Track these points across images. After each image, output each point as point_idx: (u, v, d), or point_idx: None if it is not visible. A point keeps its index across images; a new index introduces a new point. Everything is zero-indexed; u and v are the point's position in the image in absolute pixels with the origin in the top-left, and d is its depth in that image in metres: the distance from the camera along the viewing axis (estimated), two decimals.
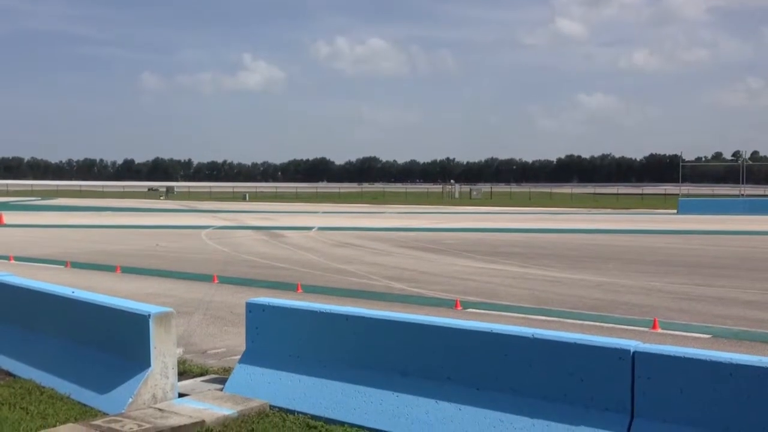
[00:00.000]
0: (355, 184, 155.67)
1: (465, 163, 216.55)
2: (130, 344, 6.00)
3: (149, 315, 5.84)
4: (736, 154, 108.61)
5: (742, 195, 54.69)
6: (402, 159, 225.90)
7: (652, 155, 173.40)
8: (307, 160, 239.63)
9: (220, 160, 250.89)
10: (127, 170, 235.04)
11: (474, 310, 10.82)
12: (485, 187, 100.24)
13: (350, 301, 11.43)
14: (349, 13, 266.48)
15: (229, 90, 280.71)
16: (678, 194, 57.69)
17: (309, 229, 29.46)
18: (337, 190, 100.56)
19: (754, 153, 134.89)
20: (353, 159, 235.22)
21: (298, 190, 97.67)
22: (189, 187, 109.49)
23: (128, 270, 15.87)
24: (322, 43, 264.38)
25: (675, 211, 46.42)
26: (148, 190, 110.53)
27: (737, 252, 20.51)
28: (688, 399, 4.31)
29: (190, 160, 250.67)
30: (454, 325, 5.24)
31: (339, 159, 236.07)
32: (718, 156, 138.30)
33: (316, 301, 8.71)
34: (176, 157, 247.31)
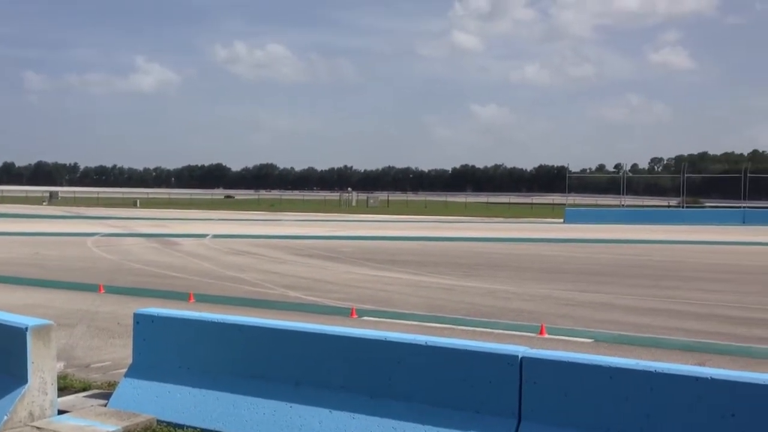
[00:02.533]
0: (251, 191, 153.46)
1: (362, 171, 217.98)
2: (5, 359, 5.65)
3: (26, 328, 5.52)
4: (618, 167, 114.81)
5: (623, 205, 57.73)
6: (300, 166, 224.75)
7: (541, 166, 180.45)
8: (203, 166, 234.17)
9: (109, 165, 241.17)
10: (6, 174, 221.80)
11: (369, 318, 10.87)
12: (382, 195, 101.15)
13: (244, 310, 11.24)
14: (248, 17, 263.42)
15: (120, 92, 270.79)
16: (565, 204, 60.26)
17: (203, 236, 28.77)
18: (233, 197, 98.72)
19: (634, 165, 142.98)
20: (250, 165, 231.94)
21: (193, 197, 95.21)
22: (75, 192, 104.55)
23: (4, 280, 14.96)
24: (219, 46, 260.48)
25: (562, 220, 48.42)
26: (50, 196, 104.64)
27: (618, 259, 21.62)
28: (572, 402, 4.48)
29: (76, 164, 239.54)
30: (349, 334, 5.25)
31: (236, 165, 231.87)
32: (601, 168, 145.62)
33: (209, 311, 8.50)
34: (61, 161, 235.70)
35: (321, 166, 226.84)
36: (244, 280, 15.47)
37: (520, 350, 4.69)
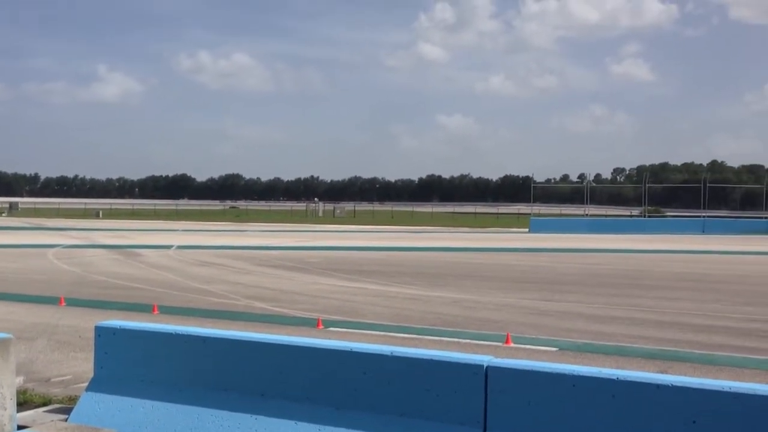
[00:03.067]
0: (217, 202, 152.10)
1: (329, 181, 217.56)
2: None
3: None
4: (582, 177, 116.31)
5: (587, 215, 58.56)
6: (266, 176, 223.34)
7: (507, 176, 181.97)
8: (167, 176, 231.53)
9: (70, 175, 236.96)
10: None
11: (336, 329, 10.84)
12: (349, 206, 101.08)
13: (209, 321, 11.12)
14: (213, 27, 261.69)
15: (82, 102, 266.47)
16: (530, 214, 60.87)
17: (167, 247, 28.41)
18: (198, 208, 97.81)
19: (597, 176, 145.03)
20: (215, 176, 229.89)
21: (157, 207, 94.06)
22: (35, 203, 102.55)
23: None
24: (183, 56, 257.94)
25: (527, 229, 48.89)
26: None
27: (581, 268, 21.89)
28: (536, 410, 4.51)
29: (36, 174, 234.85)
30: (314, 345, 5.22)
31: (201, 176, 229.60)
32: (565, 178, 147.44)
33: (174, 323, 8.40)
34: (21, 171, 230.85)
35: (287, 176, 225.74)
36: (210, 291, 15.32)
37: (485, 360, 4.72)
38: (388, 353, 4.97)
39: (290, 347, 5.27)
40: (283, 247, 30.21)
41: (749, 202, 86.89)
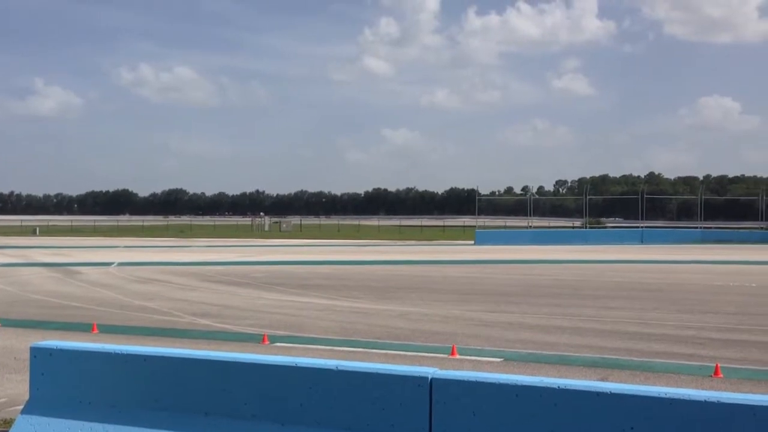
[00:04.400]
0: (160, 217, 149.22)
1: (275, 195, 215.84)
2: None
3: None
4: (525, 189, 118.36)
5: (530, 226, 59.54)
6: (210, 191, 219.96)
7: (452, 189, 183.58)
8: (108, 192, 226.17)
9: (6, 191, 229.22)
10: None
11: (281, 344, 10.75)
12: (295, 220, 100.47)
13: (151, 340, 10.90)
14: (155, 39, 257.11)
15: (18, 116, 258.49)
16: (475, 226, 61.57)
17: (108, 264, 27.75)
18: (140, 223, 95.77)
19: (540, 188, 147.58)
20: (158, 191, 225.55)
21: (97, 224, 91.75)
22: None
23: None
24: (125, 69, 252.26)
25: (473, 242, 49.42)
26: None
27: (526, 279, 22.24)
28: (481, 421, 4.57)
29: None
30: (259, 361, 5.17)
31: (143, 191, 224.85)
32: (509, 190, 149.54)
33: (114, 342, 8.21)
34: None
35: (232, 190, 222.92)
36: (152, 308, 15.02)
37: (430, 372, 4.75)
38: (334, 367, 4.95)
39: (234, 364, 5.21)
40: (228, 262, 29.83)
41: (685, 212, 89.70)
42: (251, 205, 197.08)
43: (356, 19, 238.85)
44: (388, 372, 4.84)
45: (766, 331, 12.00)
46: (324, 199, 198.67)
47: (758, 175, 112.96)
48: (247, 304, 15.86)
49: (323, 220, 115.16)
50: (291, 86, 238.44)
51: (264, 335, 11.18)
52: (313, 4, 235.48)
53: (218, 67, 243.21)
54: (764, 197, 62.35)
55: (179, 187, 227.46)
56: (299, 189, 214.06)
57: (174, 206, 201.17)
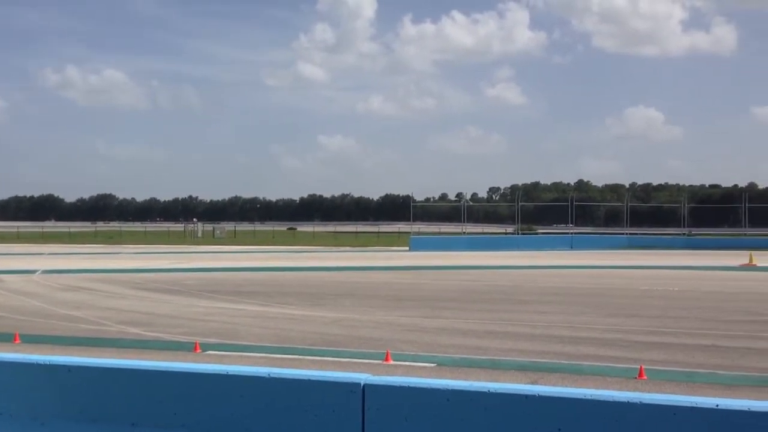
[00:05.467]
0: (88, 223, 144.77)
1: (208, 201, 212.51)
2: None
3: None
4: (459, 196, 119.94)
5: (464, 233, 60.30)
6: (141, 197, 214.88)
7: (387, 195, 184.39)
8: (32, 197, 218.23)
9: None
10: None
11: (214, 352, 10.58)
12: (229, 226, 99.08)
13: (78, 350, 10.56)
14: (82, 41, 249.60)
15: None
16: (410, 232, 61.97)
17: (32, 272, 26.74)
18: (67, 230, 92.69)
19: (474, 194, 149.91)
20: (86, 196, 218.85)
21: (20, 230, 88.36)
22: None
23: None
24: (50, 71, 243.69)
25: (407, 248, 49.71)
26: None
27: (459, 285, 22.50)
28: (413, 426, 4.59)
29: None
30: (188, 369, 5.07)
31: (69, 196, 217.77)
32: (444, 197, 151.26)
33: (37, 353, 7.92)
34: None
35: (164, 196, 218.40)
36: (79, 317, 14.55)
37: (363, 378, 4.75)
38: (266, 375, 4.90)
39: (163, 373, 5.09)
40: (159, 269, 29.16)
41: (612, 219, 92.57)
42: (184, 211, 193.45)
43: (291, 24, 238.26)
44: (320, 379, 4.82)
45: (688, 333, 12.47)
46: (259, 205, 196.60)
47: (681, 183, 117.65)
48: (179, 312, 15.55)
49: (258, 227, 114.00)
50: (225, 91, 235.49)
51: (196, 343, 10.98)
52: (247, 9, 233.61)
53: (149, 70, 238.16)
54: (686, 204, 64.90)
55: (108, 192, 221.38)
56: (233, 195, 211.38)
57: (103, 212, 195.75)
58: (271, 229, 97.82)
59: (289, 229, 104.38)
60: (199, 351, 10.64)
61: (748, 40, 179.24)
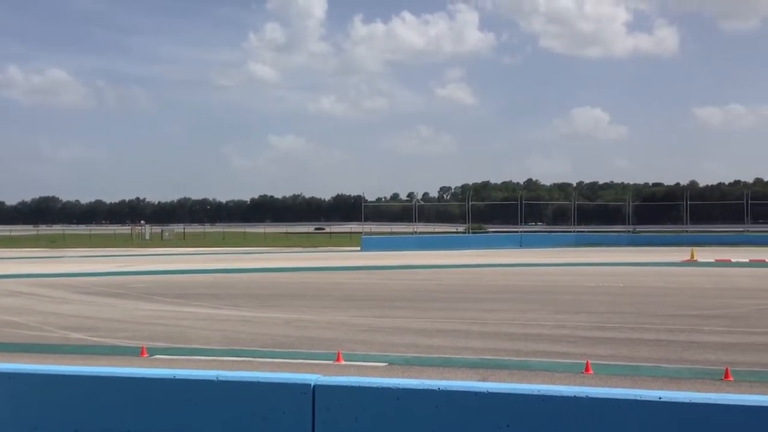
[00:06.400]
0: (30, 227, 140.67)
1: (156, 203, 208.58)
2: None
3: None
4: (410, 195, 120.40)
5: (416, 232, 60.58)
6: (86, 199, 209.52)
7: (338, 195, 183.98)
8: None
9: None
10: None
11: (161, 357, 10.39)
12: (178, 228, 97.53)
13: (19, 356, 10.25)
14: (24, 40, 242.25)
15: None
16: (361, 232, 61.98)
17: None
18: (8, 233, 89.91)
19: (425, 194, 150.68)
20: (28, 199, 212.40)
21: None
22: None
23: None
24: None
25: (359, 248, 49.72)
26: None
27: (411, 284, 22.59)
28: (364, 425, 4.58)
29: None
30: (134, 375, 4.97)
31: (10, 199, 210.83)
32: (395, 197, 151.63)
33: None
34: None
35: (110, 198, 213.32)
36: (19, 323, 14.13)
37: (313, 378, 4.73)
38: (214, 378, 4.84)
39: (107, 379, 4.98)
40: (105, 272, 28.53)
41: (560, 217, 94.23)
42: (131, 213, 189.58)
43: (241, 23, 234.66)
44: (270, 380, 4.78)
45: (633, 328, 12.76)
46: (208, 207, 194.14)
47: (626, 182, 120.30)
48: (125, 315, 15.23)
49: (208, 228, 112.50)
50: (173, 91, 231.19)
51: (143, 347, 10.76)
52: (196, 7, 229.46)
53: (93, 69, 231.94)
54: (631, 203, 66.45)
55: (51, 194, 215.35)
56: (182, 196, 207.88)
57: (45, 215, 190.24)
58: (222, 230, 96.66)
59: (316, 229, 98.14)
60: (145, 355, 10.43)
61: (689, 43, 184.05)
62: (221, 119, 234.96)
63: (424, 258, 36.81)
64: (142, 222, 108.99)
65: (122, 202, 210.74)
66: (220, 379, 4.81)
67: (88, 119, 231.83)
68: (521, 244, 51.24)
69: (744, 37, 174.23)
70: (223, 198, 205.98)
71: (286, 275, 26.88)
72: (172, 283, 23.30)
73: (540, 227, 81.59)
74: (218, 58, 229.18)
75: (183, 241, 71.32)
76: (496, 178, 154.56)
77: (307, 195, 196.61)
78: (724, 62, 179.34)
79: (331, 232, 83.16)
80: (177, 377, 4.90)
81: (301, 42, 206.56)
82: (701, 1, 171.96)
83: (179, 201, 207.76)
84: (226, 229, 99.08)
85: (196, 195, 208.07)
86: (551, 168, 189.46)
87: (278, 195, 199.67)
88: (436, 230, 77.13)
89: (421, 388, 4.55)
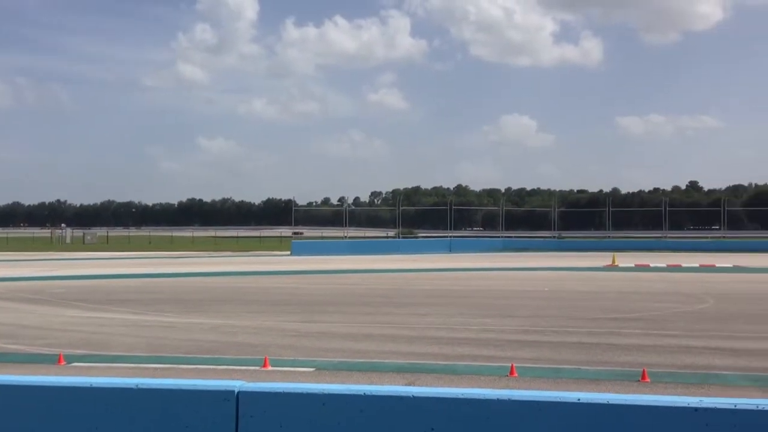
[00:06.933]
0: None
1: (78, 205, 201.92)
2: None
3: None
4: (342, 200, 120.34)
5: (346, 237, 60.57)
6: (3, 201, 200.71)
7: (269, 199, 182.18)
8: None
9: None
10: None
11: (79, 364, 10.04)
12: (101, 231, 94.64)
13: None
14: None
15: None
16: (292, 236, 61.55)
17: None
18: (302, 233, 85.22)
19: (356, 199, 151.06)
20: None
21: None
22: None
23: None
24: None
25: (289, 252, 49.33)
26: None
27: (341, 289, 22.55)
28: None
29: None
30: (48, 383, 4.78)
31: None
32: (326, 201, 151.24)
33: None
34: None
35: (29, 200, 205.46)
36: None
37: (237, 385, 4.65)
38: (134, 386, 4.70)
39: (19, 388, 4.77)
40: (22, 277, 27.39)
41: (489, 222, 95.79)
42: (51, 215, 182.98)
43: (170, 23, 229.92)
44: (192, 388, 4.67)
45: (556, 331, 13.07)
46: (134, 210, 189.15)
47: (552, 188, 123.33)
48: (43, 322, 14.66)
49: (133, 232, 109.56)
50: (99, 91, 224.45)
51: (60, 355, 10.37)
52: (123, 6, 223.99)
53: (13, 66, 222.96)
54: (556, 209, 68.20)
55: None
56: (106, 199, 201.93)
57: None
58: (148, 234, 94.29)
59: (294, 233, 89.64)
60: (63, 363, 10.06)
61: (613, 54, 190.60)
62: (149, 121, 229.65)
63: (355, 263, 36.81)
64: (63, 225, 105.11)
65: (42, 204, 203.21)
66: (140, 387, 4.68)
67: (7, 119, 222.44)
68: (450, 248, 51.88)
69: (664, 50, 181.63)
70: (149, 201, 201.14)
71: (214, 280, 26.42)
72: (94, 288, 22.57)
73: (469, 232, 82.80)
74: (146, 58, 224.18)
75: (106, 245, 69.24)
76: (426, 184, 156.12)
77: (237, 199, 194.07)
78: (645, 74, 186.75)
79: (261, 237, 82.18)
80: (94, 386, 4.74)
81: (232, 43, 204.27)
82: (625, 15, 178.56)
83: (103, 204, 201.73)
84: (153, 233, 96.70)
85: (121, 198, 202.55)
86: (481, 174, 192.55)
87: (207, 198, 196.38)
88: (367, 235, 77.28)
89: (346, 393, 4.53)
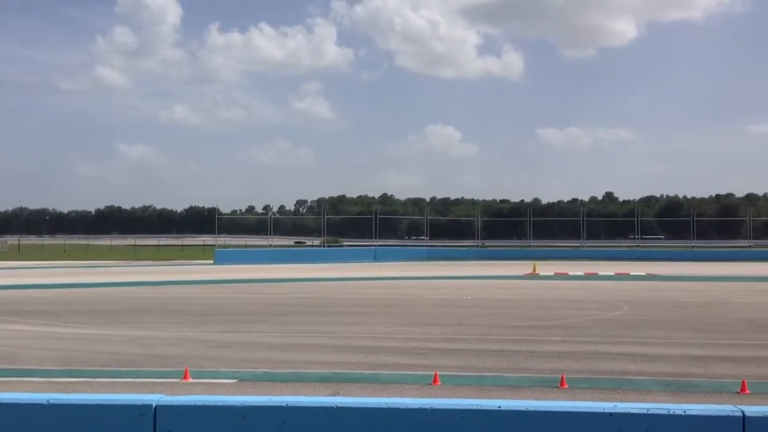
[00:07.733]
0: None
1: None
2: None
3: None
4: (266, 208, 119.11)
5: (271, 245, 59.95)
6: None
7: (191, 207, 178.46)
8: None
9: None
10: None
11: None
12: (12, 239, 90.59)
13: None
14: None
15: None
16: (215, 245, 60.46)
17: None
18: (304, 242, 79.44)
19: (282, 207, 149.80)
20: None
21: None
22: None
23: None
24: None
25: (212, 261, 48.45)
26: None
27: (265, 298, 22.28)
28: None
29: None
30: None
31: None
32: (251, 209, 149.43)
33: None
34: None
35: None
36: None
37: (155, 398, 4.52)
38: (45, 402, 4.50)
39: None
40: None
41: (414, 231, 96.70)
42: None
43: (88, 25, 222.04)
44: (107, 402, 4.51)
45: (479, 339, 13.28)
46: (48, 217, 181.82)
47: (475, 198, 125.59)
48: None
49: (46, 240, 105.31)
50: (9, 93, 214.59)
51: None
52: (37, 4, 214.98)
53: None
54: (479, 218, 69.44)
55: None
56: (18, 206, 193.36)
57: None
58: (63, 242, 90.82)
59: (296, 243, 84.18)
60: None
61: (533, 68, 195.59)
62: (64, 125, 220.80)
63: (279, 271, 36.46)
64: None
65: None
66: (51, 402, 4.49)
67: None
68: (376, 257, 52.07)
69: (582, 64, 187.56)
70: (64, 208, 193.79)
71: (133, 290, 25.66)
72: (3, 299, 21.56)
73: (394, 241, 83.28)
74: (62, 61, 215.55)
75: (17, 253, 66.33)
76: (352, 192, 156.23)
77: (159, 206, 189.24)
78: (564, 87, 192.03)
79: (183, 245, 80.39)
80: (1, 401, 4.52)
81: (154, 48, 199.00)
82: (544, 30, 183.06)
83: (14, 211, 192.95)
84: (68, 241, 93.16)
85: (34, 204, 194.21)
86: (406, 183, 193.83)
87: (127, 206, 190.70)
88: (292, 244, 76.68)
89: (268, 405, 4.47)
